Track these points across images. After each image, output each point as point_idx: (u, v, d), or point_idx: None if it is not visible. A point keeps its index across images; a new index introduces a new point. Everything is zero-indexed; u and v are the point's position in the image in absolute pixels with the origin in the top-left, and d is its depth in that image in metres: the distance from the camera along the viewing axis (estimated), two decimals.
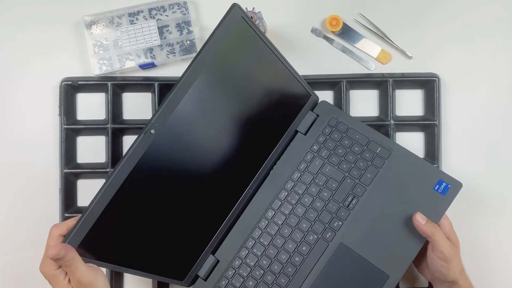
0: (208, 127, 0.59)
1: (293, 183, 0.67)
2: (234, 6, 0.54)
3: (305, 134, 0.69)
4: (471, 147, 0.73)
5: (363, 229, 0.64)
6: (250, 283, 0.65)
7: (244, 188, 0.67)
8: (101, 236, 0.54)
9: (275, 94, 0.64)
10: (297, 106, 0.68)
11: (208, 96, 0.57)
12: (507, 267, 0.72)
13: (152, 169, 0.55)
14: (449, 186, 0.63)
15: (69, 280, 0.54)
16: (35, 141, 0.73)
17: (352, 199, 0.65)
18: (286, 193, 0.67)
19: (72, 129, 0.72)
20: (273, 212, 0.67)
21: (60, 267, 0.53)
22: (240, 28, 0.56)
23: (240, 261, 0.66)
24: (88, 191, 0.74)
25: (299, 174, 0.67)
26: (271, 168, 0.68)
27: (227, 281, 0.66)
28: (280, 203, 0.67)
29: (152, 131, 0.53)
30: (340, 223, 0.65)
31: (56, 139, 0.73)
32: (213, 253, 0.67)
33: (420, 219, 0.60)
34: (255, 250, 0.66)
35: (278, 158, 0.69)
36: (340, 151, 0.67)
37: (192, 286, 0.67)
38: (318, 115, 0.69)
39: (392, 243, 0.63)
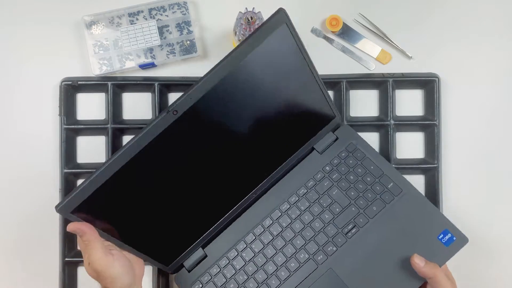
0: (228, 122, 0.59)
1: (297, 198, 0.67)
2: (280, 10, 0.54)
3: (320, 153, 0.68)
4: (471, 147, 0.73)
5: (356, 261, 0.63)
6: (232, 285, 0.65)
7: (248, 191, 0.67)
8: (100, 202, 0.55)
9: (300, 106, 0.64)
10: (319, 124, 0.67)
11: (235, 92, 0.57)
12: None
13: (165, 148, 0.55)
14: (454, 238, 0.62)
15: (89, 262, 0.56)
16: (35, 141, 0.73)
17: (352, 228, 0.64)
18: (288, 206, 0.66)
19: (72, 129, 0.72)
20: (271, 222, 0.66)
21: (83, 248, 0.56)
22: (281, 33, 0.56)
23: (227, 261, 0.66)
24: None
25: (305, 191, 0.67)
26: (280, 178, 0.68)
27: (209, 277, 0.66)
28: (279, 214, 0.66)
29: (175, 112, 0.53)
30: (334, 248, 0.64)
31: (56, 139, 0.73)
32: (203, 247, 0.67)
33: (418, 261, 0.58)
34: (244, 254, 0.66)
35: (289, 170, 0.68)
36: (351, 177, 0.66)
37: (175, 275, 0.68)
38: (337, 138, 0.69)
39: (382, 282, 0.61)
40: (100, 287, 0.58)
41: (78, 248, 0.73)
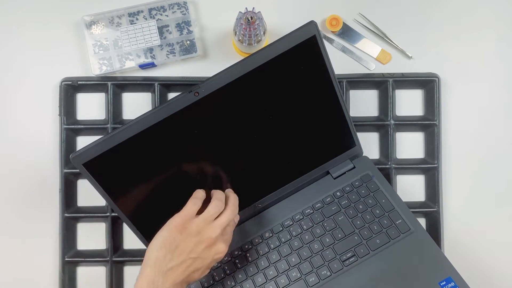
0: (244, 119, 0.59)
1: (301, 217, 0.66)
2: (311, 22, 0.55)
3: (334, 179, 0.68)
4: (471, 147, 0.73)
5: None
6: None
7: (254, 200, 0.66)
8: (113, 163, 0.57)
9: (321, 124, 0.64)
10: (338, 149, 0.67)
11: (257, 91, 0.57)
12: None
13: (180, 127, 0.57)
14: (457, 287, 0.59)
15: None
16: (35, 141, 0.73)
17: (351, 257, 0.63)
18: (291, 223, 0.66)
19: (72, 129, 0.72)
20: (270, 235, 0.66)
21: None
22: (310, 45, 0.56)
23: (219, 264, 0.65)
24: (88, 191, 0.74)
25: (311, 211, 0.66)
26: (289, 194, 0.68)
27: None
28: (281, 228, 0.66)
29: (196, 94, 0.54)
30: (328, 273, 0.62)
31: (56, 139, 0.73)
32: None
33: None
34: (236, 261, 0.65)
35: (299, 188, 0.68)
36: (360, 207, 0.65)
37: None
38: (354, 167, 0.68)
39: None
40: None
41: (79, 247, 0.73)
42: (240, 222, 0.67)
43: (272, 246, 0.65)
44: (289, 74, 0.58)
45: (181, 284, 0.54)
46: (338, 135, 0.66)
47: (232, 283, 0.64)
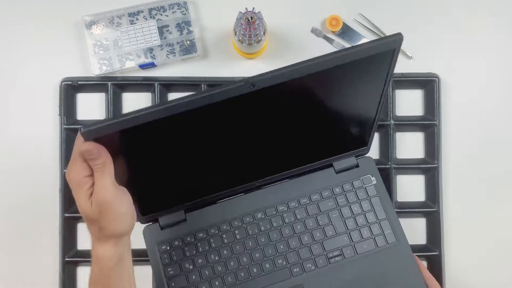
0: (285, 113, 0.58)
1: (297, 205, 0.66)
2: (398, 35, 0.52)
3: (336, 173, 0.68)
4: (471, 147, 0.74)
5: (329, 287, 0.63)
6: (200, 260, 0.63)
7: (255, 178, 0.65)
8: (128, 140, 0.52)
9: (348, 124, 0.63)
10: (348, 145, 0.67)
11: (313, 91, 0.56)
12: None
13: (222, 114, 0.53)
14: None
15: (90, 194, 0.49)
16: (35, 141, 0.73)
17: (337, 255, 0.64)
18: (285, 209, 0.66)
19: (72, 129, 0.72)
20: (263, 216, 0.65)
21: (88, 175, 0.49)
22: (386, 56, 0.55)
23: (205, 235, 0.64)
24: None
25: (308, 202, 0.66)
26: (288, 178, 0.67)
27: (180, 243, 0.63)
28: (274, 212, 0.65)
29: (251, 86, 0.51)
30: (313, 267, 0.63)
31: (56, 139, 0.73)
32: (186, 211, 0.65)
33: None
34: (224, 236, 0.64)
35: (299, 175, 0.68)
36: (355, 208, 0.66)
37: (144, 226, 0.65)
38: (358, 165, 0.68)
39: None
40: (91, 235, 0.52)
41: (79, 247, 0.73)
42: (230, 195, 0.66)
43: (262, 228, 0.65)
44: (353, 79, 0.57)
45: (112, 236, 0.52)
46: (358, 134, 0.65)
47: (216, 258, 0.63)
